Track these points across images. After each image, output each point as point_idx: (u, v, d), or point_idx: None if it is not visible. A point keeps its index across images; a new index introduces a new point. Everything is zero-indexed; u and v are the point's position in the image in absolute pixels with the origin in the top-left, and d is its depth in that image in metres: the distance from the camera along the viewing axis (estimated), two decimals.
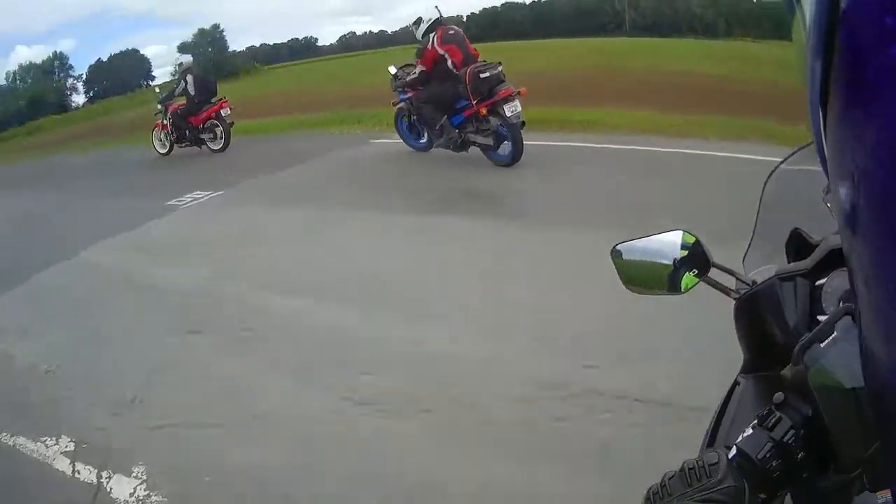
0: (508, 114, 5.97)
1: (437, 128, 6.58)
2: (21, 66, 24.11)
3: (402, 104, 7.07)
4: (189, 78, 9.87)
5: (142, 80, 24.17)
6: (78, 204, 7.85)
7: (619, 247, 1.04)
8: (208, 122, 9.72)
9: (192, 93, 9.78)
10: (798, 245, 0.97)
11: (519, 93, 6.05)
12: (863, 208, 0.31)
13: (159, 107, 10.19)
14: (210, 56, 24.69)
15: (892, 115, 0.27)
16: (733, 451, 0.71)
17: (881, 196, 0.29)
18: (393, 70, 7.27)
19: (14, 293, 5.00)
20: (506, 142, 6.19)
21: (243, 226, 5.86)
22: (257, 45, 27.30)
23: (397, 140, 7.69)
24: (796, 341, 0.71)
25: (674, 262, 1.00)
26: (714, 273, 0.99)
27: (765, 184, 1.09)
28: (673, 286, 1.01)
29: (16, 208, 8.06)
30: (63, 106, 23.82)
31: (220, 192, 7.17)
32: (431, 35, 6.48)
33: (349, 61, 23.48)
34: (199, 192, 7.23)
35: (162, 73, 23.50)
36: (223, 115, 9.60)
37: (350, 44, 28.62)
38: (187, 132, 9.86)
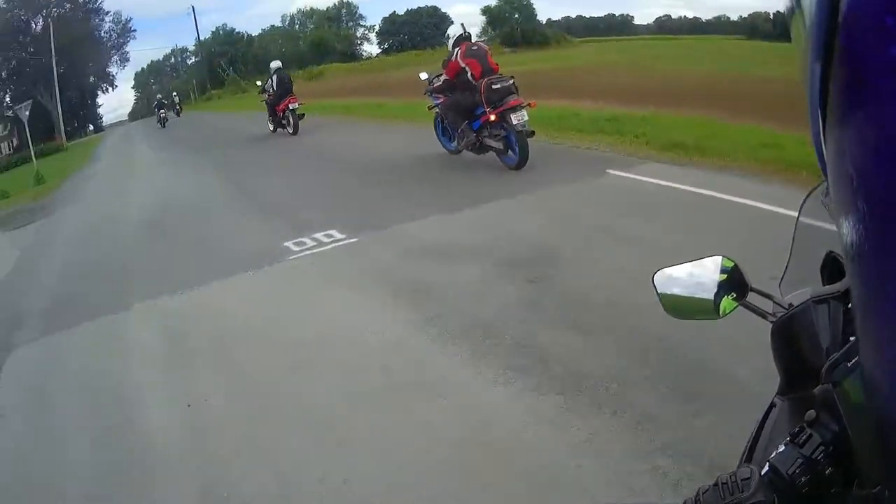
0: (514, 122, 6.56)
1: (459, 131, 7.30)
2: (300, 11, 25.01)
3: (436, 108, 7.87)
4: (275, 77, 13.15)
5: (443, 39, 23.85)
6: None
7: (659, 273, 1.07)
8: (286, 112, 12.84)
9: (275, 89, 13.07)
10: (833, 268, 0.98)
11: (529, 104, 6.65)
12: (862, 211, 0.30)
13: (263, 96, 13.81)
14: (516, 23, 23.29)
15: (893, 116, 0.27)
16: (766, 467, 0.74)
17: (881, 198, 0.29)
18: (424, 76, 8.39)
19: None
20: (513, 148, 6.74)
21: None
22: (573, 16, 25.63)
23: (652, 179, 5.91)
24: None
25: (720, 287, 1.03)
26: (752, 297, 1.03)
27: (801, 206, 1.10)
28: (713, 311, 1.04)
29: None
30: (352, 55, 24.23)
31: None
32: (456, 49, 7.29)
33: (660, 45, 22.10)
34: None
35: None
36: (291, 108, 12.72)
37: (665, 26, 25.93)
38: (276, 118, 13.24)
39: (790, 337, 0.94)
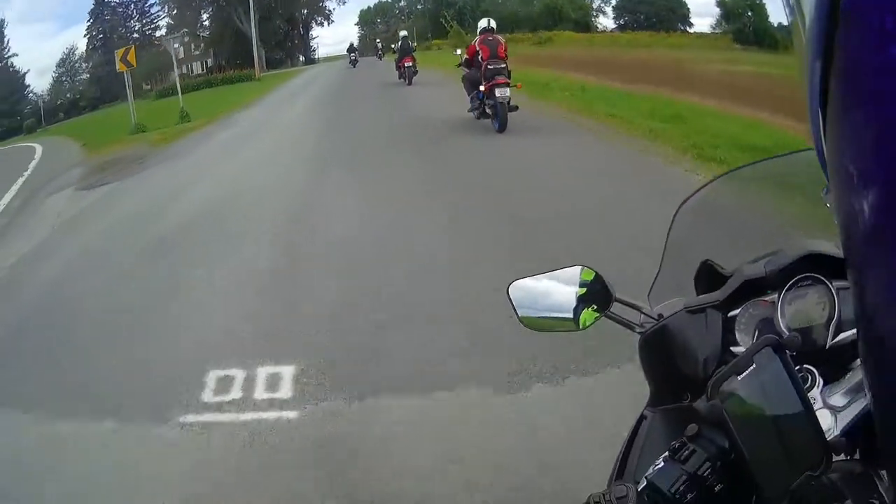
0: (497, 95, 8.59)
1: (470, 98, 9.65)
2: None
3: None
4: (400, 43, 17.04)
5: (679, 24, 21.32)
6: None
7: (515, 283, 1.05)
8: (404, 68, 16.24)
9: (398, 52, 16.76)
10: (708, 278, 0.99)
11: (516, 86, 8.92)
12: (863, 209, 0.31)
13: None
14: (749, 21, 21.08)
15: (892, 115, 0.28)
16: (643, 483, 0.71)
17: (882, 196, 0.29)
18: (458, 52, 11.46)
19: None
20: (497, 115, 8.76)
21: None
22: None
23: None
24: (706, 373, 0.78)
25: (580, 299, 1.02)
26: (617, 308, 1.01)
27: (673, 217, 1.10)
28: (573, 323, 1.02)
29: None
30: (586, 25, 22.90)
31: None
32: (478, 37, 9.56)
33: None
34: None
35: (701, 24, 20.36)
36: (406, 66, 16.15)
37: None
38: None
39: (662, 348, 0.94)
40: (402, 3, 41.47)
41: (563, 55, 19.03)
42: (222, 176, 8.75)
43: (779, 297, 0.87)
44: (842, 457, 0.71)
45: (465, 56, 9.85)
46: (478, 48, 9.35)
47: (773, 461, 0.67)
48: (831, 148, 0.34)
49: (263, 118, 14.35)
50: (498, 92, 8.57)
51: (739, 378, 0.69)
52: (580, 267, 1.03)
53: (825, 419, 0.74)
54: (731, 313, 0.90)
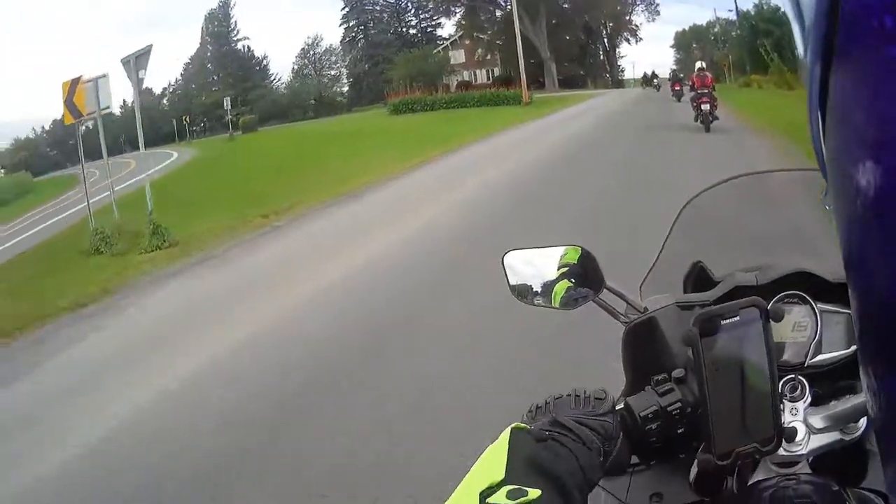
0: (702, 108, 13.34)
1: (693, 108, 14.05)
2: None
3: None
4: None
5: None
6: None
7: (510, 253, 1.06)
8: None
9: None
10: (698, 279, 1.06)
11: (714, 103, 13.41)
12: (862, 211, 0.31)
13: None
14: None
15: (892, 116, 0.28)
16: (622, 403, 0.78)
17: (881, 199, 0.29)
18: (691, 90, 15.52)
19: None
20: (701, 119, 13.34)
21: None
22: None
23: None
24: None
25: (566, 276, 1.03)
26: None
27: (679, 213, 1.13)
28: (560, 301, 1.03)
29: None
30: None
31: None
32: (695, 73, 14.55)
33: None
34: None
35: None
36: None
37: None
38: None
39: (646, 340, 0.97)
40: (716, 29, 36.00)
41: None
42: None
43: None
44: (811, 475, 0.81)
45: (689, 83, 15.66)
46: (694, 80, 14.00)
47: (729, 419, 0.73)
48: (831, 149, 0.34)
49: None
50: (703, 106, 13.15)
51: (722, 322, 0.73)
52: (577, 246, 1.03)
53: (800, 432, 0.84)
54: None
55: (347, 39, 37.62)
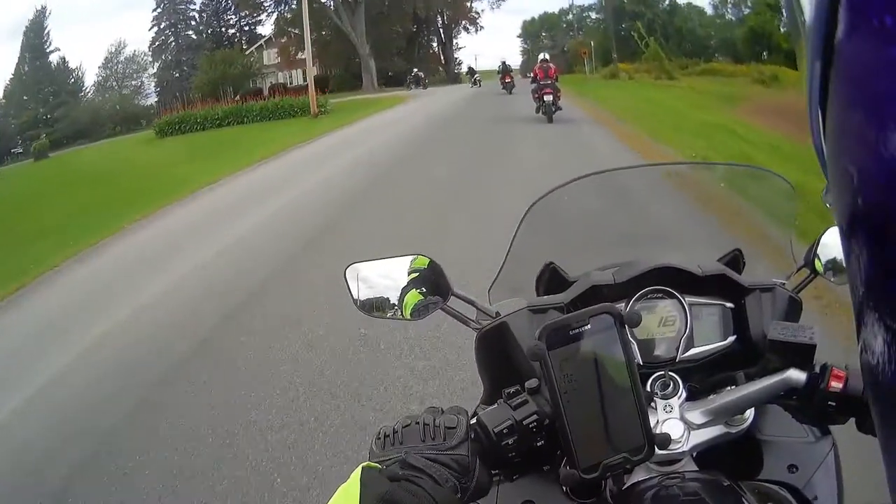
0: (545, 99, 13.42)
1: (535, 100, 13.97)
2: None
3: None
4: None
5: None
6: None
7: (353, 266, 1.04)
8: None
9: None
10: (551, 280, 1.05)
11: (557, 95, 13.64)
12: (863, 209, 0.31)
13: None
14: None
15: (893, 115, 0.28)
16: (474, 419, 0.75)
17: (881, 197, 0.30)
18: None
19: None
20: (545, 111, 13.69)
21: None
22: None
23: None
24: None
25: (412, 287, 1.02)
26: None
27: (524, 215, 1.13)
28: (407, 312, 1.02)
29: None
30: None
31: None
32: (537, 64, 14.40)
33: None
34: None
35: None
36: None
37: None
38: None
39: (500, 345, 0.95)
40: (569, 17, 34.05)
41: None
42: None
43: (626, 306, 0.91)
44: (697, 471, 0.82)
45: (531, 75, 15.17)
46: (537, 72, 14.04)
47: (591, 431, 0.70)
48: (831, 148, 0.34)
49: None
50: (545, 97, 13.42)
51: (571, 332, 0.71)
52: (420, 256, 1.03)
53: (677, 430, 0.82)
54: None
55: (157, 43, 32.99)
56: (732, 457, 0.87)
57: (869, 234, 0.31)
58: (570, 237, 1.22)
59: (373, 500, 0.62)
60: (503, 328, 0.93)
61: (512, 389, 0.75)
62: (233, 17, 34.17)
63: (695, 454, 0.83)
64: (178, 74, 32.76)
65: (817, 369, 0.79)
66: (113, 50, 32.70)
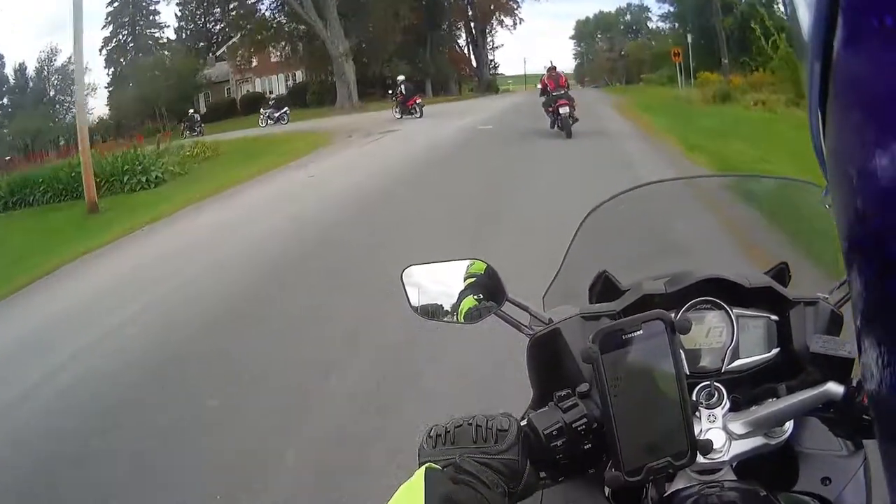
0: (560, 112, 12.44)
1: (547, 113, 13.21)
2: None
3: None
4: (403, 86, 20.26)
5: None
6: None
7: (409, 269, 1.06)
8: (414, 105, 19.91)
9: (405, 93, 20.03)
10: (604, 289, 1.05)
11: (572, 106, 12.61)
12: (863, 212, 0.31)
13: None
14: None
15: (893, 116, 0.28)
16: (525, 420, 0.77)
17: (881, 199, 0.30)
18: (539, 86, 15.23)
19: None
20: (561, 125, 12.77)
21: None
22: None
23: None
24: None
25: (469, 292, 1.04)
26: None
27: (581, 223, 1.15)
28: (463, 316, 1.04)
29: None
30: None
31: None
32: (546, 73, 14.06)
33: None
34: None
35: None
36: (418, 103, 19.72)
37: None
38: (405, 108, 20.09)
39: (552, 352, 0.96)
40: (626, 17, 30.74)
41: None
42: None
43: (676, 315, 0.91)
44: (736, 481, 0.83)
45: (540, 86, 14.22)
46: (546, 82, 13.50)
47: (637, 434, 0.72)
48: (831, 148, 0.34)
49: None
50: (561, 109, 12.47)
51: (623, 337, 0.72)
52: (477, 260, 1.05)
53: (719, 440, 0.83)
54: None
55: (112, 45, 27.19)
56: (769, 467, 0.89)
57: (868, 235, 0.30)
58: (624, 246, 1.25)
59: (437, 500, 0.64)
60: (556, 334, 0.95)
61: (563, 392, 0.77)
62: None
63: (734, 464, 0.85)
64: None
65: (854, 383, 0.80)
66: (44, 57, 28.64)
